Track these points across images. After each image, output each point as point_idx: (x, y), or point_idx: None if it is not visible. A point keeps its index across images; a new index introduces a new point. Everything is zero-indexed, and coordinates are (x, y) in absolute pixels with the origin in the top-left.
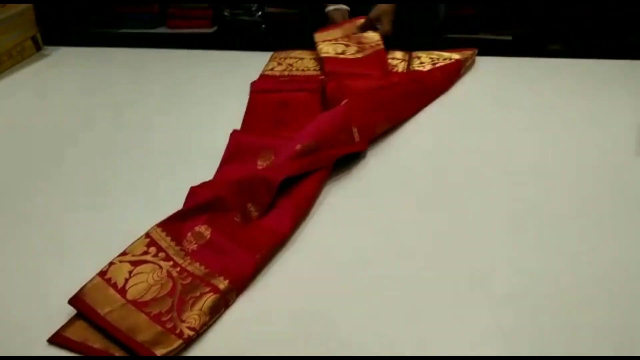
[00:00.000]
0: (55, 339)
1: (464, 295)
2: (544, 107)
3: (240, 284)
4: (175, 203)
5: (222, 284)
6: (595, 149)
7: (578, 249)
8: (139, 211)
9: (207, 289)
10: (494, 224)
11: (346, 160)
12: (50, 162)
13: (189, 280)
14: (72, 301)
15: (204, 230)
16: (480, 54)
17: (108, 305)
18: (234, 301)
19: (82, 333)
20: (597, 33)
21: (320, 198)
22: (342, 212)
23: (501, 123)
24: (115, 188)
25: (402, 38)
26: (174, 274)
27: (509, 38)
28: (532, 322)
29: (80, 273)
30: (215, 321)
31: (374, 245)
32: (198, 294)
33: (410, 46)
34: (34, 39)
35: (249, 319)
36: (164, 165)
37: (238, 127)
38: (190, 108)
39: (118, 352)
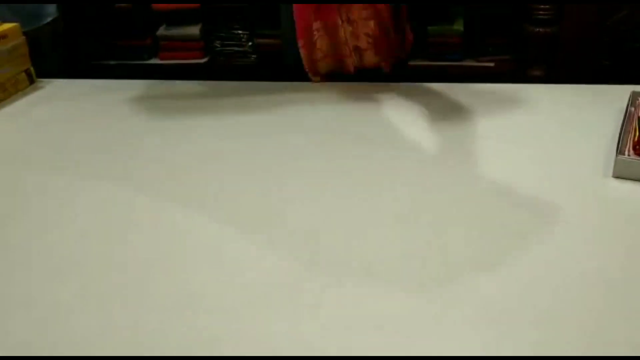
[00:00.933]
0: None
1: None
2: (514, 129)
3: None
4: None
5: None
6: (565, 171)
7: (543, 267)
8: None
9: None
10: (457, 243)
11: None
12: (41, 193)
13: None
14: None
15: None
16: (463, 80)
17: None
18: None
19: None
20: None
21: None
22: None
23: (462, 146)
24: (103, 217)
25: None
26: None
27: (492, 65)
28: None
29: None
30: None
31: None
32: None
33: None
34: (27, 72)
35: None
36: (155, 199)
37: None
38: (191, 140)
39: None
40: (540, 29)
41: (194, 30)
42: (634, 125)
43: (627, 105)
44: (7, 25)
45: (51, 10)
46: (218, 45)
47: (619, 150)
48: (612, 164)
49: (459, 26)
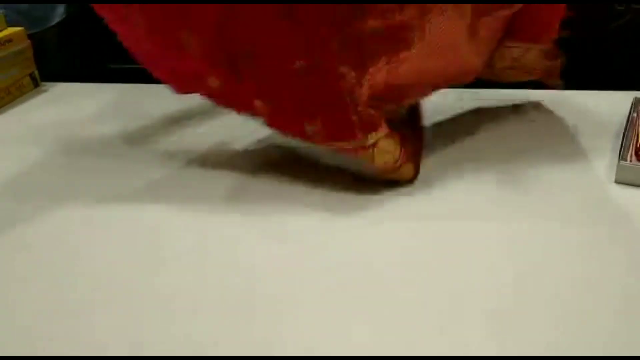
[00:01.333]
0: None
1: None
2: (515, 134)
3: None
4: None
5: None
6: (566, 176)
7: (543, 272)
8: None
9: None
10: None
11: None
12: (46, 196)
13: None
14: None
15: None
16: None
17: None
18: None
19: None
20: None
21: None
22: None
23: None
24: (109, 219)
25: None
26: None
27: None
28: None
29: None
30: None
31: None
32: None
33: None
34: (32, 75)
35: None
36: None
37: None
38: (198, 142)
39: None
40: None
41: None
42: (636, 130)
43: (630, 111)
44: (12, 29)
45: (61, 12)
46: None
47: (621, 156)
48: (614, 169)
49: None
